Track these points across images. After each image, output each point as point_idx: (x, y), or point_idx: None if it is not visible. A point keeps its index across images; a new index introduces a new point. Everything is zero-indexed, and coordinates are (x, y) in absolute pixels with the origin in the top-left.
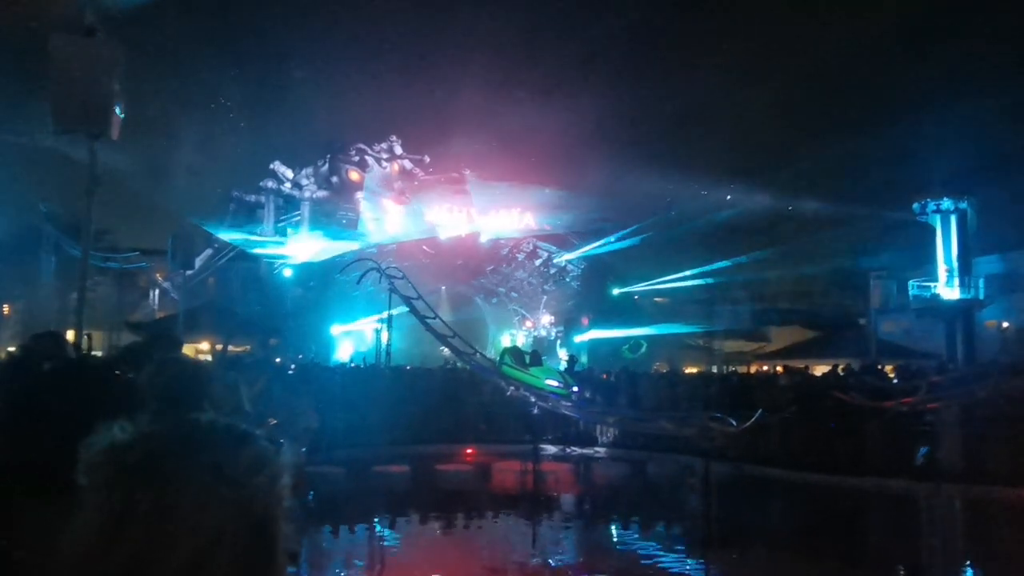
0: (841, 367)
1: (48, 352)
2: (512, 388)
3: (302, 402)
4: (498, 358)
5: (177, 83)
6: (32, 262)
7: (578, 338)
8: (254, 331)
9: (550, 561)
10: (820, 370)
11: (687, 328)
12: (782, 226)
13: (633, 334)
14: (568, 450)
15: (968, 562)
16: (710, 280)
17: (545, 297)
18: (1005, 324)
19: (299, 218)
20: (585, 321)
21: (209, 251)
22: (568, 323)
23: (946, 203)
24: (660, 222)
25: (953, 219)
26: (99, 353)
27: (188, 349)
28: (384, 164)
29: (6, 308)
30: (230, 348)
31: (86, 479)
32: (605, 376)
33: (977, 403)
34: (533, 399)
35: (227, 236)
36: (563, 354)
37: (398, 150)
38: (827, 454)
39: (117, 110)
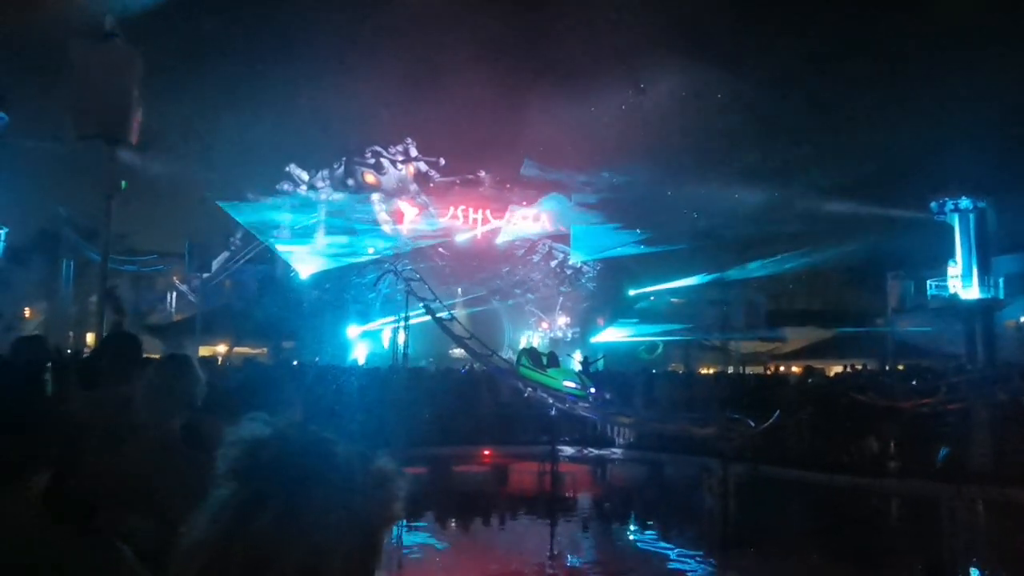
0: (859, 367)
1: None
2: (529, 389)
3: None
4: (515, 359)
5: (192, 87)
6: (52, 266)
7: (594, 339)
8: (270, 333)
9: (568, 562)
10: (836, 370)
11: (703, 330)
12: (799, 225)
13: (649, 335)
14: (585, 451)
15: (988, 564)
16: (727, 277)
17: (561, 298)
18: None
19: (315, 220)
20: (601, 322)
21: (226, 254)
22: (584, 324)
23: (964, 202)
24: (678, 226)
25: (971, 218)
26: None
27: (206, 351)
28: (399, 166)
29: (27, 311)
30: (236, 350)
31: (223, 466)
32: (628, 374)
33: (998, 404)
34: (550, 400)
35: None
36: (577, 355)
37: (413, 152)
38: (845, 455)
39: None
